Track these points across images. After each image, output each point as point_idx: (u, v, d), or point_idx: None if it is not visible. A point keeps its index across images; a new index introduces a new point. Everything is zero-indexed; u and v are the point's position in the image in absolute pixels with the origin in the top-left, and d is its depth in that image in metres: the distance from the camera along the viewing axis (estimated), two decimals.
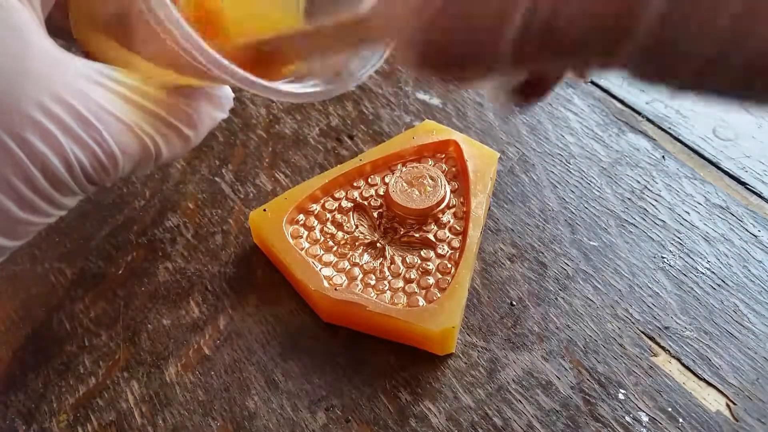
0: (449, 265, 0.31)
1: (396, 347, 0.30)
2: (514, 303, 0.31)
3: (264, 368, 0.30)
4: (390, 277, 0.31)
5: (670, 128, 0.39)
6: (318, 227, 0.33)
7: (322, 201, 0.34)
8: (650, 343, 0.30)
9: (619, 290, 0.32)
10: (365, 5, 0.21)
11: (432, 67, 0.18)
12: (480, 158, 0.35)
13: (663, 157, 0.37)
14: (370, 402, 0.28)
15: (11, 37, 0.20)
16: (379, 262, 0.32)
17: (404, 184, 0.33)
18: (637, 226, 0.34)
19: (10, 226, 0.21)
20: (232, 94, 0.28)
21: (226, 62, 0.21)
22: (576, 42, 0.16)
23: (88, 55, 0.26)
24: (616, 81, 0.42)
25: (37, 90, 0.20)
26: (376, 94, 0.42)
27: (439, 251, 0.32)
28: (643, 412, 0.28)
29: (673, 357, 0.29)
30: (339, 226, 0.33)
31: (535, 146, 0.38)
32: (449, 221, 0.33)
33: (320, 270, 0.31)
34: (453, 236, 0.32)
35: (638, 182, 0.36)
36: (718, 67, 0.15)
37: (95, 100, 0.22)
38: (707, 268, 0.32)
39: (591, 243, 0.34)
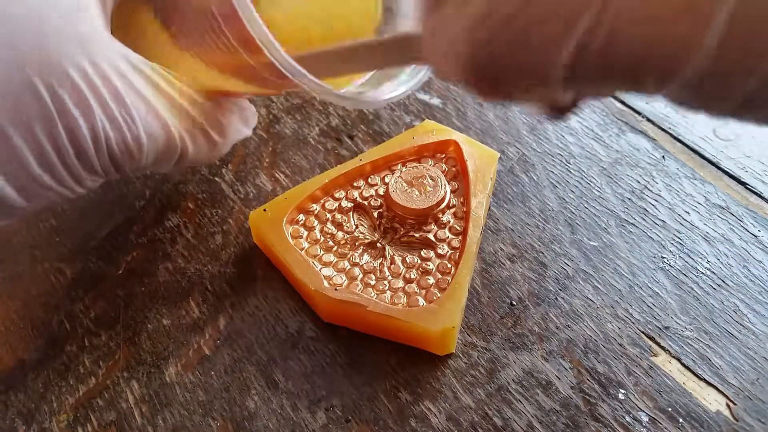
0: (449, 265, 0.31)
1: (396, 347, 0.30)
2: (514, 303, 0.31)
3: (264, 368, 0.30)
4: (390, 277, 0.31)
5: (670, 128, 0.39)
6: (318, 227, 0.33)
7: (322, 201, 0.34)
8: (650, 343, 0.30)
9: (619, 290, 0.32)
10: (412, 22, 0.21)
11: (480, 87, 0.18)
12: (480, 158, 0.35)
13: (663, 157, 0.37)
14: (370, 402, 0.28)
15: (70, 8, 0.21)
16: (379, 262, 0.32)
17: (404, 184, 0.33)
18: (637, 226, 0.34)
19: (26, 181, 0.21)
20: (256, 113, 0.29)
21: (306, 73, 0.21)
22: (630, 68, 0.16)
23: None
24: None
25: (81, 55, 0.20)
26: None
27: (439, 251, 0.32)
28: (643, 412, 0.28)
29: (673, 357, 0.29)
30: (339, 226, 0.33)
31: (535, 146, 0.38)
32: (449, 221, 0.33)
33: (320, 270, 0.31)
34: (453, 236, 0.32)
35: (638, 182, 0.36)
36: (761, 101, 0.15)
37: (133, 83, 0.22)
38: (707, 268, 0.32)
39: (591, 243, 0.34)
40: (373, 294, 0.30)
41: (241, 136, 0.27)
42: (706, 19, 0.14)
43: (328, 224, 0.33)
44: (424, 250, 0.32)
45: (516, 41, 0.16)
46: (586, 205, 0.35)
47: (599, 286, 0.32)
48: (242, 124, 0.27)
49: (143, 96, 0.22)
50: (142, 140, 0.23)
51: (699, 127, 0.39)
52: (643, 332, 0.30)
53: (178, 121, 0.24)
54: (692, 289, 0.32)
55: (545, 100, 0.19)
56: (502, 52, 0.17)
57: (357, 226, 0.33)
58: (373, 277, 0.31)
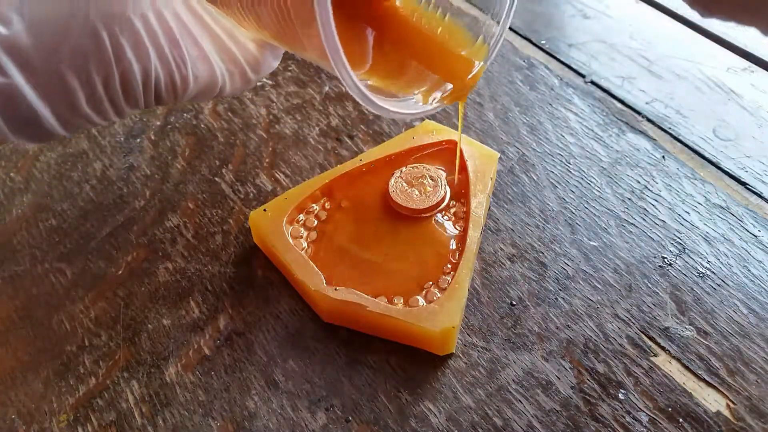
0: (449, 265, 0.31)
1: (396, 347, 0.30)
2: (514, 303, 0.31)
3: (264, 368, 0.30)
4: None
5: (670, 128, 0.39)
6: (318, 227, 0.33)
7: (322, 201, 0.34)
8: (650, 343, 0.30)
9: (619, 290, 0.32)
10: None
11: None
12: (480, 158, 0.35)
13: (663, 157, 0.37)
14: (370, 402, 0.28)
15: None
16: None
17: (404, 184, 0.33)
18: (637, 226, 0.34)
19: (71, 116, 0.22)
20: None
21: (368, 92, 0.23)
22: None
23: None
24: (616, 81, 0.42)
25: (144, 3, 0.22)
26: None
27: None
28: (643, 412, 0.28)
29: (673, 357, 0.29)
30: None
31: (535, 146, 0.38)
32: (449, 221, 0.33)
33: (320, 270, 0.31)
34: (453, 236, 0.32)
35: (638, 182, 0.36)
36: None
37: (188, 27, 0.23)
38: (707, 268, 0.32)
39: (591, 243, 0.34)
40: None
41: (272, 69, 0.29)
42: None
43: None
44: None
45: None
46: (586, 205, 0.35)
47: (599, 286, 0.32)
48: (273, 59, 0.28)
49: (195, 39, 0.24)
50: (189, 81, 0.24)
51: (699, 127, 0.39)
52: (643, 332, 0.30)
53: (222, 62, 0.25)
54: (692, 289, 0.32)
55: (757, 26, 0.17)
56: None
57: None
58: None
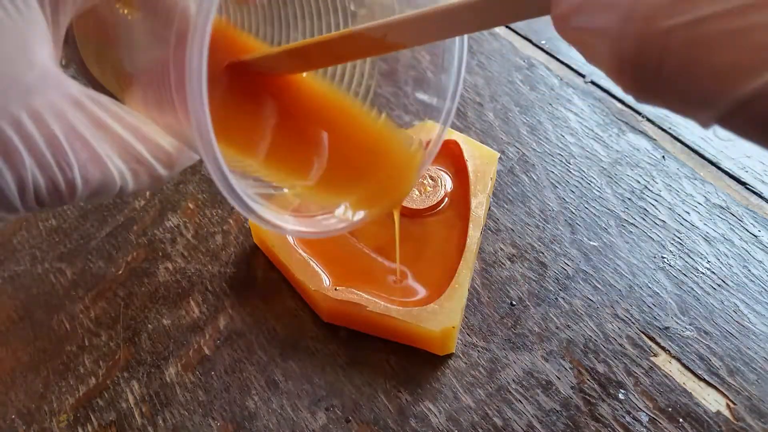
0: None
1: (396, 347, 0.30)
2: (514, 303, 0.31)
3: (264, 368, 0.30)
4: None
5: (670, 128, 0.39)
6: None
7: None
8: (650, 343, 0.30)
9: (619, 290, 0.32)
10: None
11: (626, 83, 0.16)
12: (480, 158, 0.35)
13: (663, 157, 0.37)
14: (370, 402, 0.28)
15: (10, 43, 0.20)
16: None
17: None
18: (637, 226, 0.34)
19: None
20: None
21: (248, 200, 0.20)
22: None
23: (87, 73, 0.25)
24: None
25: (17, 103, 0.20)
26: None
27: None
28: (643, 412, 0.28)
29: (673, 357, 0.29)
30: None
31: (535, 146, 0.38)
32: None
33: (320, 270, 0.31)
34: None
35: (638, 182, 0.36)
36: None
37: (73, 124, 0.21)
38: (707, 268, 0.32)
39: (591, 243, 0.34)
40: (372, 294, 0.30)
41: (191, 163, 0.26)
42: None
43: None
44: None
45: (692, 54, 0.14)
46: (586, 205, 0.35)
47: (599, 286, 0.32)
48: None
49: (85, 140, 0.21)
50: (77, 185, 0.22)
51: (699, 127, 0.39)
52: (643, 332, 0.30)
53: (120, 161, 0.22)
54: (692, 289, 0.32)
55: (692, 118, 0.17)
56: (673, 61, 0.14)
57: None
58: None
